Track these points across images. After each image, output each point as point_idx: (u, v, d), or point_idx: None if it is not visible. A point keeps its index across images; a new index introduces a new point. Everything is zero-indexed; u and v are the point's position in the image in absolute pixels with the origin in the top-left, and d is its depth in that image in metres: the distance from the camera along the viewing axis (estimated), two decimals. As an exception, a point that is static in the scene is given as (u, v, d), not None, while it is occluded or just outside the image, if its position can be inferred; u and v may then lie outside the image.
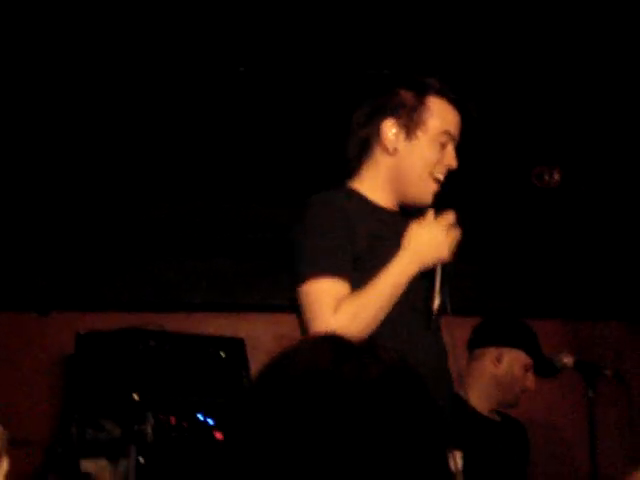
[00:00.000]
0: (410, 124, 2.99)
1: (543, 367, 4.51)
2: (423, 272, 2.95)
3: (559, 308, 5.75)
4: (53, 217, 5.44)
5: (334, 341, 1.15)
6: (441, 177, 3.05)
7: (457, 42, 4.41)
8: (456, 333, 5.61)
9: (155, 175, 5.38)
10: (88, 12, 4.35)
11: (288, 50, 4.68)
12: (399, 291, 2.90)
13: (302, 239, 2.95)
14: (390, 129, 2.99)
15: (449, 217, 3.02)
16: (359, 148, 3.08)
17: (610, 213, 5.43)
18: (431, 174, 3.02)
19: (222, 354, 5.07)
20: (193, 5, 4.42)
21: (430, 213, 2.99)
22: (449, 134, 3.04)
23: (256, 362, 4.83)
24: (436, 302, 3.04)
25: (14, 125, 5.04)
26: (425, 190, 3.02)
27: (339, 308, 2.82)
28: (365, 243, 2.91)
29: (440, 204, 3.06)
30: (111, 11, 4.37)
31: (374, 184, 3.05)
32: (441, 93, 3.05)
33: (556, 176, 4.65)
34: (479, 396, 4.27)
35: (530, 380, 4.39)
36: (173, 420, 4.74)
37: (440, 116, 3.03)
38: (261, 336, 5.17)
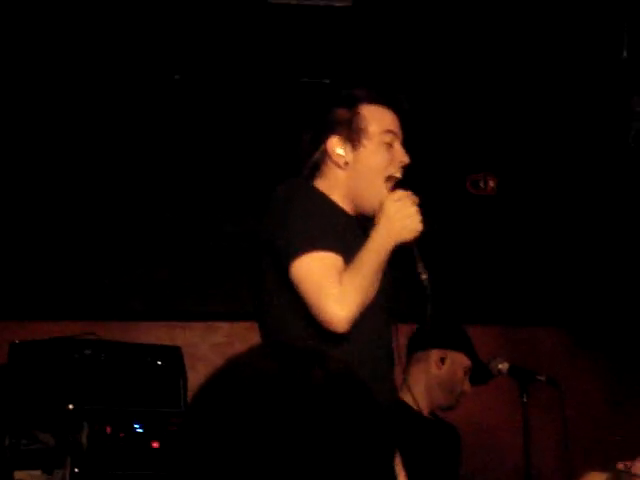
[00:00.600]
0: (352, 135, 3.10)
1: (478, 373, 4.56)
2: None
3: (494, 314, 5.80)
4: None
5: (280, 348, 1.17)
6: (398, 175, 3.15)
7: (398, 50, 4.44)
8: (401, 340, 5.66)
9: (96, 183, 5.35)
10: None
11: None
12: (381, 268, 2.97)
13: (294, 220, 2.95)
14: (336, 145, 3.11)
15: (413, 195, 3.07)
16: (310, 170, 3.17)
17: (546, 219, 5.49)
18: (386, 179, 3.10)
19: (159, 362, 5.02)
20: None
21: (399, 191, 3.05)
22: (391, 132, 3.14)
23: (193, 370, 4.82)
24: (424, 276, 3.13)
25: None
26: (381, 197, 3.08)
27: (342, 280, 2.85)
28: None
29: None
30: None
31: (334, 197, 3.15)
32: (371, 99, 3.16)
33: (491, 183, 4.71)
34: (419, 397, 4.29)
35: (467, 384, 4.44)
36: (109, 430, 4.67)
37: (376, 120, 3.13)
38: (198, 344, 5.16)
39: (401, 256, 3.14)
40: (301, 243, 2.90)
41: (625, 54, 3.24)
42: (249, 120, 5.02)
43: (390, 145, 3.12)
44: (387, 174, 3.11)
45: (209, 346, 5.27)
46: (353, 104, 3.16)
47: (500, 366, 4.59)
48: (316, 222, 2.94)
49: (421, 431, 4.24)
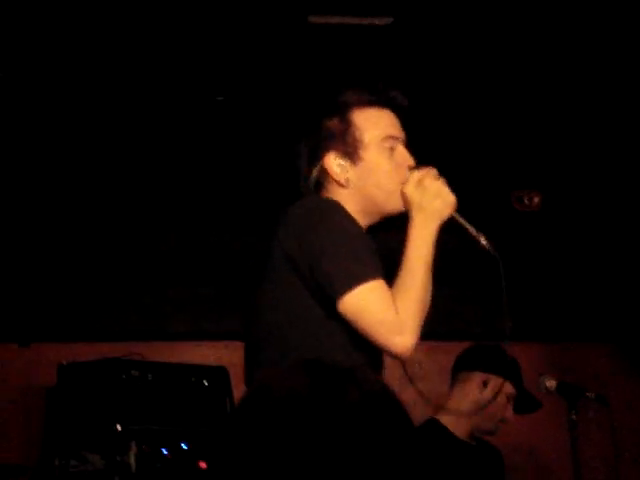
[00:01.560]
0: (349, 149, 2.87)
1: (525, 402, 4.50)
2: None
3: (541, 331, 5.76)
4: (33, 248, 5.42)
5: (312, 367, 1.15)
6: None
7: (440, 66, 4.41)
8: (436, 357, 5.62)
9: (138, 206, 5.37)
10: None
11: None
12: (431, 262, 2.77)
13: (332, 243, 2.73)
14: (333, 163, 2.87)
15: (430, 170, 2.85)
16: (315, 188, 2.93)
17: (593, 234, 5.44)
18: (398, 183, 2.87)
19: (205, 382, 5.04)
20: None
21: (414, 173, 2.82)
22: (391, 136, 2.90)
23: (239, 390, 4.80)
24: (482, 240, 3.01)
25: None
26: (399, 200, 2.87)
27: (398, 306, 2.67)
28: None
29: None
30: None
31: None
32: (362, 103, 2.91)
33: (536, 199, 4.68)
34: (458, 420, 4.24)
35: (509, 411, 4.36)
36: (157, 450, 4.72)
37: (372, 126, 2.90)
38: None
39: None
40: (349, 273, 2.68)
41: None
42: (288, 139, 5.01)
43: (392, 150, 2.88)
44: (396, 182, 2.86)
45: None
46: (344, 112, 2.89)
47: (548, 383, 4.52)
48: (357, 244, 2.73)
49: (455, 454, 4.18)
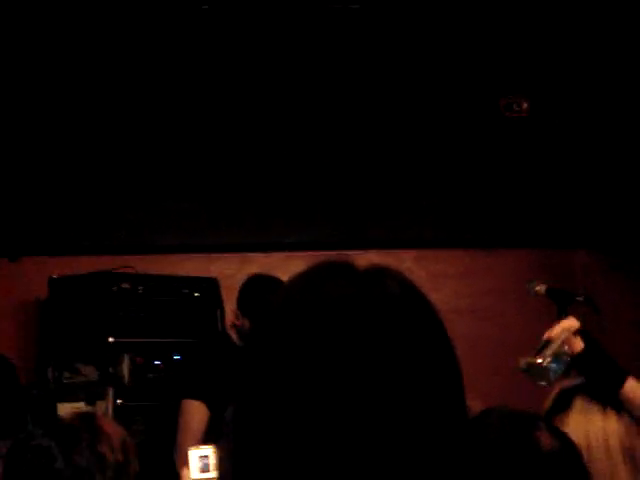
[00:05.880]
0: None
1: None
2: None
3: (529, 237, 5.81)
4: (22, 161, 5.39)
5: (342, 267, 1.07)
6: None
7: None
8: (425, 264, 5.70)
9: (131, 122, 5.35)
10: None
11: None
12: None
13: None
14: None
15: None
16: None
17: (579, 141, 5.47)
18: None
19: (196, 294, 5.09)
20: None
21: None
22: None
23: (230, 301, 4.86)
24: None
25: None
26: None
27: None
28: None
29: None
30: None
31: None
32: None
33: (524, 105, 4.68)
34: None
35: None
36: (149, 361, 4.79)
37: None
38: (234, 275, 5.19)
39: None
40: None
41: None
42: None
43: None
44: None
45: (245, 277, 5.31)
46: None
47: (537, 288, 4.56)
48: None
49: None
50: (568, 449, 1.72)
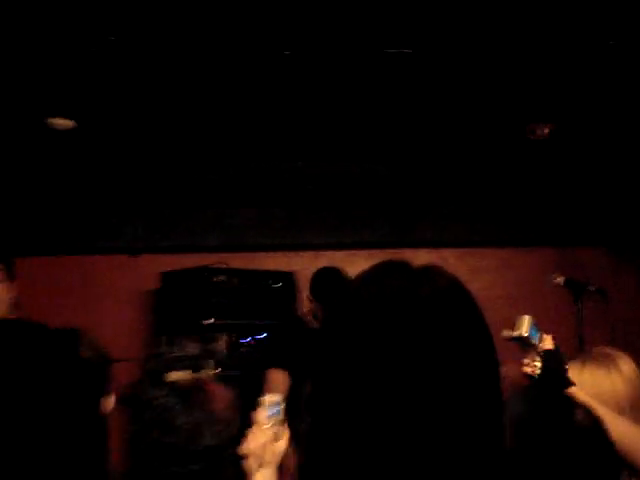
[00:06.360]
0: None
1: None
2: None
3: (551, 237, 5.74)
4: (141, 173, 5.28)
5: (400, 266, 1.06)
6: None
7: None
8: (471, 262, 5.63)
9: (225, 135, 5.05)
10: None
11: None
12: None
13: None
14: None
15: None
16: None
17: (591, 161, 5.37)
18: None
19: (277, 285, 5.16)
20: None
21: None
22: None
23: (304, 290, 4.87)
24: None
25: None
26: None
27: None
28: None
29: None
30: None
31: None
32: None
33: (546, 130, 4.66)
34: None
35: None
36: (240, 339, 4.87)
37: None
38: (308, 268, 5.19)
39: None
40: None
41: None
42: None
43: None
44: None
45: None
46: None
47: (557, 279, 4.55)
48: None
49: None
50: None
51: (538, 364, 2.30)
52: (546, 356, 2.33)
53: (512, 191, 5.61)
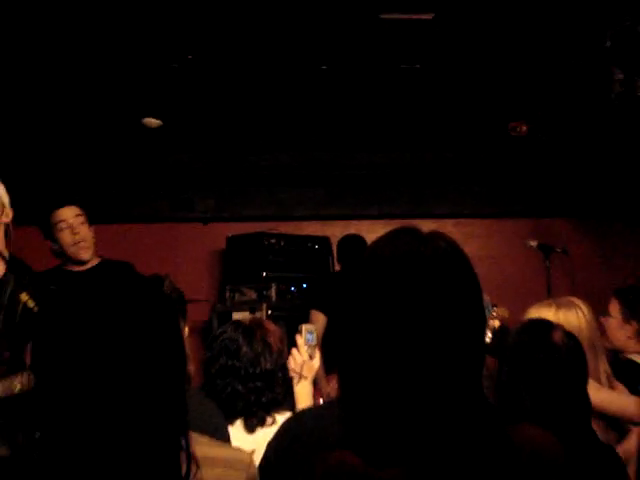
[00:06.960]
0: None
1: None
2: None
3: (528, 209, 5.65)
4: (212, 160, 5.24)
5: (410, 231, 1.04)
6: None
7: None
8: (465, 229, 5.56)
9: (279, 127, 4.90)
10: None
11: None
12: None
13: None
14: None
15: None
16: None
17: (567, 153, 5.24)
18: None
19: (316, 247, 5.16)
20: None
21: None
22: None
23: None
24: None
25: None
26: None
27: None
28: None
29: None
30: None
31: None
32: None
33: (524, 128, 4.60)
34: None
35: None
36: (288, 288, 4.84)
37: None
38: (339, 235, 5.10)
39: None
40: None
41: (608, 44, 3.07)
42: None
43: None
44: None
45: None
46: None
47: (532, 243, 4.57)
48: None
49: None
50: (576, 343, 1.54)
51: None
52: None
53: (496, 174, 5.54)
